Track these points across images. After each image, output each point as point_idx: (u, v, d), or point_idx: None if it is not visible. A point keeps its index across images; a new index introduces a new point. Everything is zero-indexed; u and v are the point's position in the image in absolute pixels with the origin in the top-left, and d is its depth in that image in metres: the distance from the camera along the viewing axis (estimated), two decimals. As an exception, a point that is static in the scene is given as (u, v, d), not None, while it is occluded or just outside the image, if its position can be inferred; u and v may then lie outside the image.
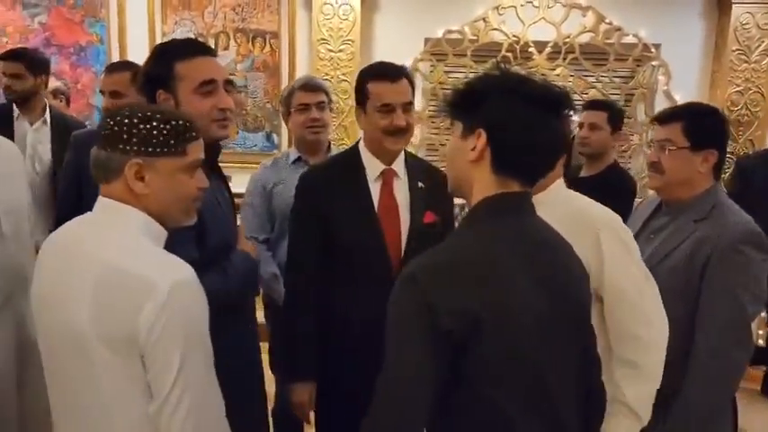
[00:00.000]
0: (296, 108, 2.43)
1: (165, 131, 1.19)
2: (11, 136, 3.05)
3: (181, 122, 1.21)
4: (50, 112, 3.17)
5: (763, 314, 3.97)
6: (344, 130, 3.94)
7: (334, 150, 2.57)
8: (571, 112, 1.26)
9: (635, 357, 1.46)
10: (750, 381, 4.00)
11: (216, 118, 1.57)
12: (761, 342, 4.10)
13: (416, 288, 1.07)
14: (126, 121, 1.18)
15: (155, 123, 1.19)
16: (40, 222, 3.11)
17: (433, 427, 1.11)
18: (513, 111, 1.11)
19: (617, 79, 4.03)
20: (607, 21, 3.88)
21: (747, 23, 3.75)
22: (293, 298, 1.89)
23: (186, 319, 1.14)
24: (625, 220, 2.56)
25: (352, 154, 1.90)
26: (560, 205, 1.50)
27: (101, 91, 2.66)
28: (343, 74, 3.88)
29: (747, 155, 3.81)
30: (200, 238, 1.52)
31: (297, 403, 1.85)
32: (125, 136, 1.17)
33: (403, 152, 1.88)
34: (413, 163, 1.90)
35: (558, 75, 3.96)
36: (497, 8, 3.88)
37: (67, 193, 2.56)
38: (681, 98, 3.97)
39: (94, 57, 4.10)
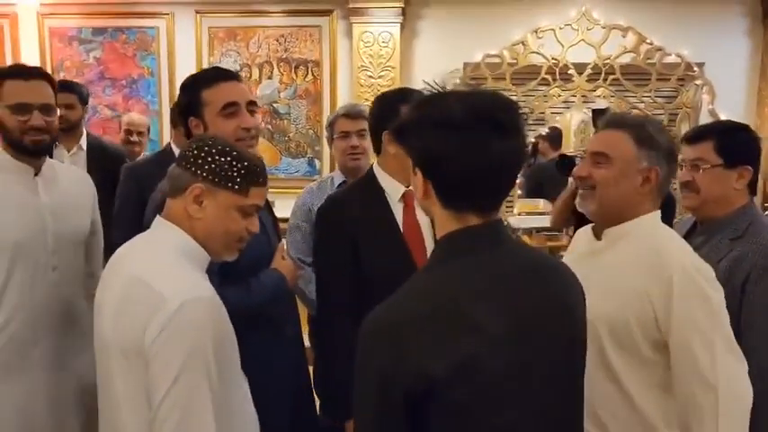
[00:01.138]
0: (338, 135, 2.52)
1: (235, 169, 1.27)
2: None
3: (253, 166, 1.30)
4: (87, 138, 3.34)
5: None
6: (385, 154, 4.00)
7: None
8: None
9: (688, 422, 1.34)
10: None
11: (240, 137, 1.65)
12: None
13: (371, 349, 1.00)
14: (206, 148, 1.28)
15: (229, 159, 1.28)
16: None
17: None
18: (437, 143, 1.02)
19: (660, 99, 3.98)
20: (648, 41, 3.85)
21: (794, 40, 3.69)
22: (330, 339, 1.83)
23: (191, 338, 1.17)
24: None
25: (370, 179, 1.88)
26: (644, 238, 1.45)
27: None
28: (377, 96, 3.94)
29: (796, 173, 3.72)
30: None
31: None
32: (200, 161, 1.27)
33: None
34: None
35: (598, 96, 3.94)
36: (536, 31, 3.90)
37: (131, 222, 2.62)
38: (727, 117, 3.88)
39: (146, 89, 4.28)
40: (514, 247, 1.11)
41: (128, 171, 2.75)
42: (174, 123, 2.84)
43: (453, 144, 1.00)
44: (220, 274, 1.59)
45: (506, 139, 1.01)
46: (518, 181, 4.22)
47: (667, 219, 2.40)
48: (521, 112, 1.07)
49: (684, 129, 4.00)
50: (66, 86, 3.32)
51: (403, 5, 3.86)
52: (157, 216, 1.32)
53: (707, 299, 1.35)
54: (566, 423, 1.09)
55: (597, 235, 1.53)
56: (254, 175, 1.31)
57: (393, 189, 1.83)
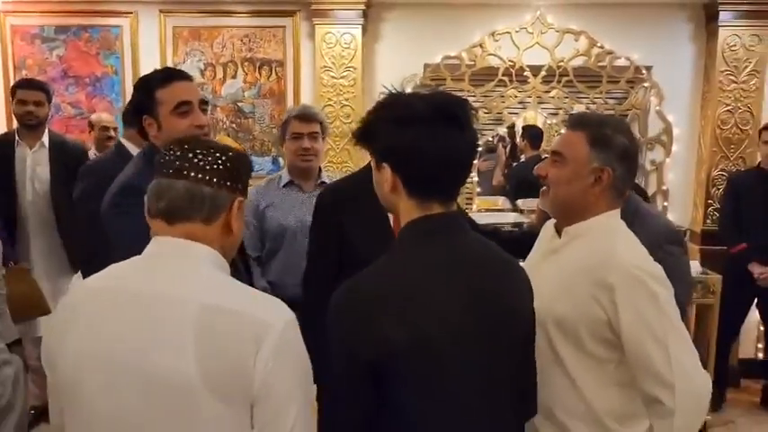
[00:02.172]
0: (290, 136, 2.58)
1: (250, 171, 1.21)
2: (11, 159, 3.29)
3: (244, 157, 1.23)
4: (48, 134, 3.39)
5: (762, 327, 4.04)
6: (347, 152, 4.09)
7: (325, 175, 2.72)
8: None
9: (654, 422, 1.39)
10: (750, 393, 4.06)
11: (193, 134, 1.70)
12: (760, 356, 4.17)
13: (339, 322, 1.12)
14: (235, 159, 1.14)
15: (248, 164, 1.20)
16: (42, 242, 3.30)
17: None
18: (402, 140, 1.13)
19: (611, 101, 4.16)
20: (599, 45, 4.02)
21: (734, 45, 3.88)
22: (310, 314, 1.94)
23: (302, 358, 1.11)
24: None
25: (367, 173, 1.99)
26: (596, 240, 1.46)
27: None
28: (346, 99, 4.04)
29: (739, 171, 3.92)
30: None
31: None
32: (235, 173, 1.13)
33: None
34: None
35: (552, 97, 4.10)
36: (493, 34, 4.04)
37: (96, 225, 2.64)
38: (673, 118, 4.11)
39: (109, 87, 4.30)
40: (470, 236, 1.23)
41: (88, 170, 2.78)
42: (127, 121, 2.89)
43: (420, 138, 1.12)
44: None
45: (464, 133, 1.15)
46: (476, 179, 4.36)
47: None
48: (473, 109, 1.20)
49: (634, 129, 4.18)
50: (35, 85, 3.37)
51: (364, 8, 3.95)
52: (170, 239, 1.12)
53: (653, 297, 1.37)
54: (504, 391, 1.22)
55: (558, 232, 1.56)
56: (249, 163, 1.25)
57: None
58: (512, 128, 4.60)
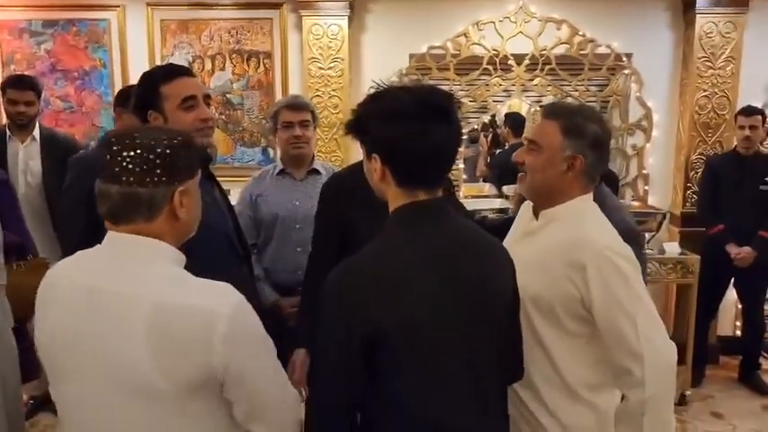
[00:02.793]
0: (281, 125, 2.66)
1: (193, 152, 1.21)
2: (3, 153, 3.34)
3: (194, 141, 1.25)
4: (39, 129, 3.44)
5: (739, 306, 4.19)
6: (336, 142, 4.16)
7: (318, 163, 2.80)
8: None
9: (625, 393, 1.47)
10: (728, 369, 4.21)
11: (199, 127, 1.80)
12: (738, 333, 4.32)
13: (333, 300, 1.21)
14: (168, 150, 1.14)
15: (187, 147, 1.18)
16: (37, 234, 3.37)
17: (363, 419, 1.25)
18: (391, 132, 1.21)
19: (592, 87, 4.25)
20: (581, 33, 4.11)
21: (711, 32, 3.99)
22: (311, 277, 2.10)
23: (254, 332, 1.19)
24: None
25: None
26: (570, 223, 1.55)
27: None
28: (334, 90, 4.10)
29: (716, 155, 4.04)
30: None
31: (291, 362, 2.04)
32: (168, 168, 1.13)
33: None
34: None
35: (536, 84, 4.18)
36: (477, 24, 4.11)
37: (76, 216, 2.57)
38: (653, 104, 4.22)
39: (98, 80, 4.33)
40: (455, 221, 1.31)
41: (76, 161, 2.81)
42: (117, 113, 2.93)
43: (407, 132, 1.19)
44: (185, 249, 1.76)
45: (449, 125, 1.23)
46: (461, 166, 4.45)
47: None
48: (457, 101, 1.28)
49: (615, 115, 4.30)
50: (26, 84, 3.41)
51: (351, -1, 4.02)
52: (127, 236, 1.16)
53: (623, 275, 1.45)
54: (489, 366, 1.30)
55: (535, 215, 1.65)
56: (196, 143, 1.26)
57: None
58: (493, 117, 4.68)
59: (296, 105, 2.68)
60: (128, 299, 1.10)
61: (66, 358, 1.15)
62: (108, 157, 1.13)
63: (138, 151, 1.11)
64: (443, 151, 1.24)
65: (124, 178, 1.11)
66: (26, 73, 4.23)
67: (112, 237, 1.16)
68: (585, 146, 1.55)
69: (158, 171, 1.12)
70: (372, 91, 1.31)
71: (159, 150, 1.12)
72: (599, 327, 1.48)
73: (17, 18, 4.24)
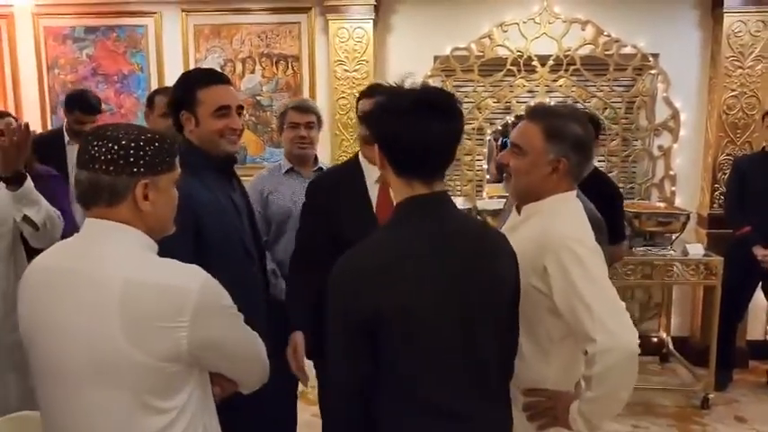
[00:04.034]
0: (288, 125, 2.79)
1: (164, 150, 1.27)
2: (64, 159, 3.53)
3: (170, 140, 1.31)
4: None
5: (768, 309, 4.10)
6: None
7: (323, 163, 2.93)
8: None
9: (589, 374, 1.46)
10: (757, 374, 4.13)
11: (227, 135, 1.92)
12: (768, 337, 4.24)
13: (336, 289, 1.30)
14: (133, 144, 1.22)
15: (157, 144, 1.25)
16: None
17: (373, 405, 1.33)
18: (389, 122, 1.31)
19: (618, 88, 4.24)
20: (606, 33, 4.10)
21: (740, 31, 3.93)
22: (294, 266, 2.22)
23: (222, 305, 1.28)
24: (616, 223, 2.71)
25: (354, 162, 2.20)
26: (546, 217, 1.60)
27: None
28: (359, 92, 4.16)
29: (744, 156, 3.98)
30: (197, 234, 1.85)
31: (291, 346, 2.11)
32: (131, 159, 1.21)
33: None
34: None
35: (560, 86, 4.19)
36: (501, 25, 4.15)
37: None
38: (680, 104, 4.18)
39: (136, 84, 4.53)
40: (455, 215, 1.39)
41: None
42: (149, 107, 3.08)
43: (400, 125, 1.29)
44: (196, 247, 1.87)
45: (445, 122, 1.31)
46: (485, 167, 4.48)
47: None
48: (457, 101, 1.37)
49: (642, 116, 4.27)
50: (94, 108, 3.64)
51: (376, 3, 4.09)
52: (96, 221, 1.25)
53: (578, 258, 1.48)
54: (489, 352, 1.37)
55: (518, 210, 1.71)
56: (174, 147, 1.32)
57: (371, 172, 2.09)
58: (518, 118, 4.70)
59: (302, 108, 2.84)
60: (98, 278, 1.18)
61: (44, 342, 1.23)
62: (83, 146, 1.24)
63: (105, 141, 1.22)
64: (435, 145, 1.31)
65: (92, 165, 1.21)
66: (69, 77, 4.48)
67: (86, 222, 1.27)
68: (568, 148, 1.59)
69: (121, 162, 1.21)
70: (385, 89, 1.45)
71: (124, 143, 1.22)
72: (561, 313, 1.51)
73: (61, 25, 4.48)
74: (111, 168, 1.21)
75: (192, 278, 1.22)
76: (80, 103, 3.63)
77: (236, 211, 2.02)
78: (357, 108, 2.21)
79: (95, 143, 1.22)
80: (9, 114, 2.91)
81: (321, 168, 2.86)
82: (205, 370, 1.32)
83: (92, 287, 1.18)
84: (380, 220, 2.03)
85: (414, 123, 1.28)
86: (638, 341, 1.45)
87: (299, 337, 2.11)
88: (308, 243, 2.15)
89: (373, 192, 2.12)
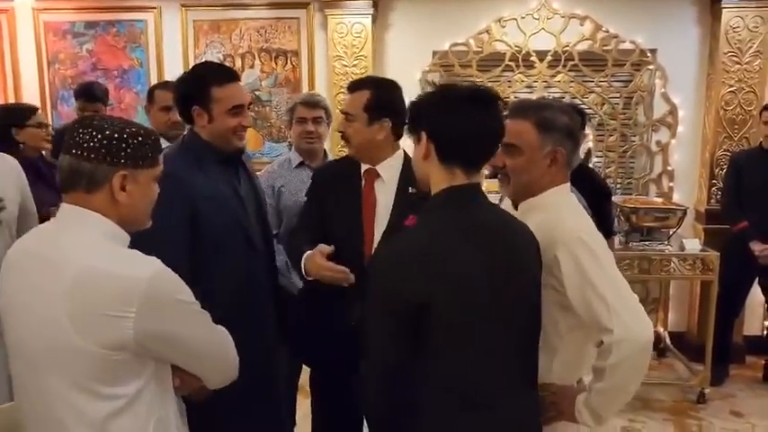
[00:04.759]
0: (296, 120, 2.80)
1: (147, 146, 1.29)
2: None
3: (154, 137, 1.33)
4: None
5: (766, 305, 4.12)
6: (359, 138, 4.27)
7: (331, 157, 2.93)
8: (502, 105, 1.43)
9: (602, 365, 1.46)
10: (754, 369, 4.14)
11: (238, 131, 1.99)
12: (766, 333, 4.25)
13: (383, 274, 1.36)
14: (116, 135, 1.24)
15: (141, 139, 1.27)
16: None
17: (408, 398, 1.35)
18: (442, 111, 1.40)
19: (616, 84, 4.24)
20: (604, 29, 4.10)
21: (738, 27, 3.93)
22: (292, 239, 2.26)
23: (175, 298, 1.26)
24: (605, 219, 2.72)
25: (347, 159, 2.21)
26: (548, 212, 1.58)
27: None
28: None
29: (741, 151, 3.98)
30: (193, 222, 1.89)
31: (316, 267, 1.98)
32: (114, 150, 1.24)
33: (401, 158, 2.11)
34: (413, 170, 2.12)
35: (558, 81, 4.20)
36: (499, 21, 4.15)
37: None
38: (678, 100, 4.19)
39: (136, 79, 4.55)
40: (488, 205, 1.48)
41: None
42: (150, 101, 3.09)
43: (456, 113, 1.37)
44: (193, 237, 1.90)
45: (495, 118, 1.41)
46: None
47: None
48: (501, 99, 1.44)
49: (640, 111, 4.27)
50: (91, 95, 3.71)
51: (374, -2, 4.11)
52: (69, 207, 1.28)
53: (595, 256, 1.48)
54: (526, 335, 1.45)
55: (515, 206, 1.68)
56: (158, 144, 1.34)
57: (363, 167, 2.11)
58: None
59: (311, 102, 2.83)
60: (57, 263, 1.21)
61: (11, 325, 1.28)
62: (69, 132, 1.27)
63: (90, 130, 1.24)
64: (485, 137, 1.40)
65: (74, 151, 1.24)
66: (69, 72, 4.50)
67: (61, 208, 1.29)
68: (563, 137, 1.59)
69: (103, 151, 1.23)
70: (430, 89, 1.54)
71: (108, 133, 1.24)
72: (574, 306, 1.50)
73: (61, 20, 4.49)
74: (93, 156, 1.23)
75: (144, 268, 1.21)
76: (84, 92, 3.73)
77: (240, 202, 2.04)
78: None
79: (81, 130, 1.25)
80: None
81: None
82: (165, 363, 1.31)
83: (50, 272, 1.20)
84: (364, 218, 2.07)
85: (470, 112, 1.37)
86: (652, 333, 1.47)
87: (316, 251, 2.02)
88: (308, 223, 2.19)
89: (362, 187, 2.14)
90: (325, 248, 2.00)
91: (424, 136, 1.41)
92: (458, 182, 1.39)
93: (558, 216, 1.57)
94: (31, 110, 3.05)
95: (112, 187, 1.25)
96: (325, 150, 2.92)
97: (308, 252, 2.02)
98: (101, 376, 1.20)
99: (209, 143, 1.99)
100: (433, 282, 1.31)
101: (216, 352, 1.37)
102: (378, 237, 2.04)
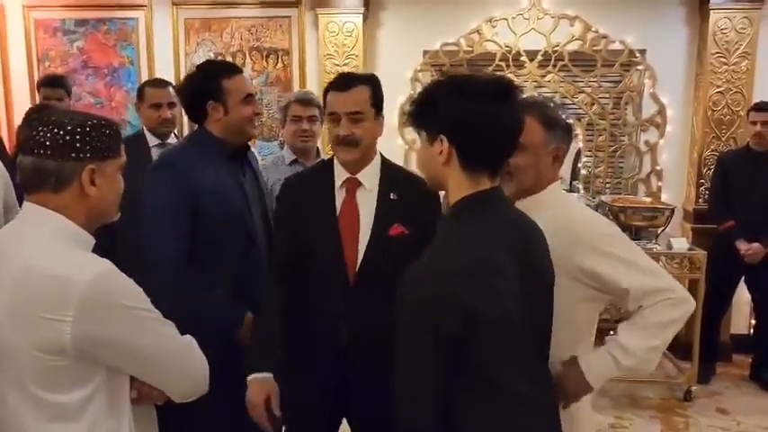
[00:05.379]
0: (291, 118, 2.80)
1: (110, 136, 1.26)
2: None
3: (116, 127, 1.30)
4: None
5: (752, 303, 4.16)
6: (350, 136, 4.28)
7: (323, 155, 2.93)
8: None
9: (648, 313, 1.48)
10: (741, 367, 4.18)
11: (253, 120, 2.07)
12: (752, 331, 4.29)
13: (419, 294, 1.19)
14: (79, 129, 1.21)
15: (104, 130, 1.25)
16: None
17: (449, 417, 1.22)
18: (464, 109, 1.23)
19: (606, 84, 4.27)
20: (594, 29, 4.13)
21: (726, 28, 3.97)
22: (271, 286, 1.90)
23: (119, 304, 1.19)
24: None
25: (328, 163, 1.92)
26: (553, 209, 1.55)
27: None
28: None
29: (728, 151, 4.02)
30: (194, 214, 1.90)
31: (255, 407, 1.76)
32: (78, 144, 1.21)
33: (379, 162, 1.88)
34: (391, 173, 1.89)
35: (548, 81, 4.22)
36: (490, 21, 4.17)
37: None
38: (667, 100, 4.21)
39: (126, 77, 4.54)
40: (510, 207, 1.38)
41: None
42: (140, 99, 3.08)
43: (480, 112, 1.23)
44: (196, 227, 1.93)
45: (516, 111, 1.29)
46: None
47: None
48: (519, 89, 1.34)
49: (629, 111, 4.30)
50: (54, 82, 3.65)
51: (365, -3, 4.12)
52: (31, 206, 1.25)
53: (622, 240, 1.54)
54: (546, 338, 1.41)
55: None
56: (119, 133, 1.31)
57: (340, 176, 1.86)
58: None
59: (305, 100, 2.85)
60: (8, 261, 1.19)
61: None
62: (27, 130, 1.23)
63: (51, 127, 1.21)
64: (509, 133, 1.27)
65: (36, 151, 1.21)
66: (59, 70, 4.48)
67: (24, 206, 1.27)
68: (564, 134, 1.59)
69: (68, 147, 1.20)
70: (438, 78, 1.36)
71: (70, 128, 1.21)
72: (611, 290, 1.51)
73: (52, 17, 4.48)
74: (57, 154, 1.20)
75: (86, 270, 1.16)
76: (46, 80, 3.78)
77: (244, 198, 2.07)
78: (324, 103, 1.88)
79: (41, 129, 1.21)
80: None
81: (323, 161, 2.83)
82: (119, 373, 1.26)
83: (2, 270, 1.19)
84: (342, 227, 1.83)
85: (494, 112, 1.24)
86: None
87: (265, 392, 1.77)
88: (282, 257, 1.91)
89: (339, 198, 1.86)
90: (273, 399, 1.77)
91: (444, 141, 1.26)
92: (482, 187, 1.29)
93: (568, 213, 1.57)
94: None
95: (82, 183, 1.22)
96: (318, 149, 2.92)
97: (257, 379, 1.76)
98: (41, 381, 1.17)
99: (219, 138, 2.03)
100: (481, 301, 1.18)
101: (177, 363, 1.30)
102: (362, 249, 1.81)
